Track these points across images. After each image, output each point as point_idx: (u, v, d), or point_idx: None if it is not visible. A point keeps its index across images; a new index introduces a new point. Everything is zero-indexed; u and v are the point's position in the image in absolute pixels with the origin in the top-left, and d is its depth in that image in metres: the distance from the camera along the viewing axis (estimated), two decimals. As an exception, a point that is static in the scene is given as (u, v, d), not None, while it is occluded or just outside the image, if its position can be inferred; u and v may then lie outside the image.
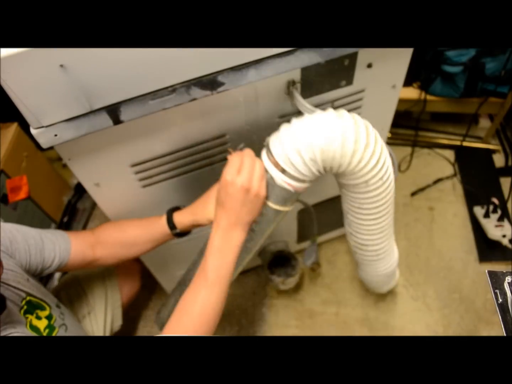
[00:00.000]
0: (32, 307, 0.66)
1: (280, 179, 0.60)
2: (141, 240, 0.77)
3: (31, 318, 0.65)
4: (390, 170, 0.66)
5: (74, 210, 1.55)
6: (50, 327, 0.69)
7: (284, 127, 0.61)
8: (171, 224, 0.74)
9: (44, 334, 0.66)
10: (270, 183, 0.61)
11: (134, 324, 1.29)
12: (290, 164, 0.59)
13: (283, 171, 0.60)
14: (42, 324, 0.67)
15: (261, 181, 0.59)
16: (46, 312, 0.69)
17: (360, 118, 0.61)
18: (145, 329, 1.29)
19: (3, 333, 0.54)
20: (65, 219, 1.49)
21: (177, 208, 0.76)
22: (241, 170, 0.59)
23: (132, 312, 1.31)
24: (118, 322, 1.00)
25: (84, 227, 1.53)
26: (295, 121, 0.60)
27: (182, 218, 0.73)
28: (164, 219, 0.74)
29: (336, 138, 0.57)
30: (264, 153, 0.63)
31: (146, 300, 1.34)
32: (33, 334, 0.63)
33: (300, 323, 1.25)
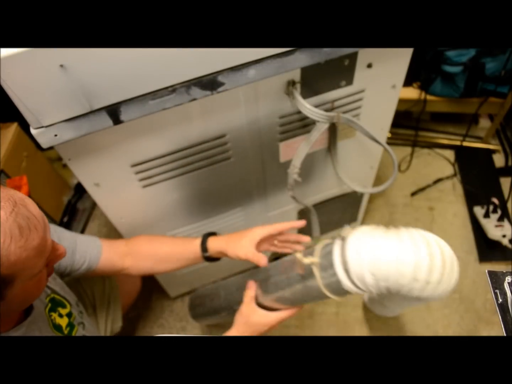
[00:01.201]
0: (55, 304, 0.68)
1: (346, 285, 0.60)
2: (173, 258, 0.78)
3: (55, 316, 0.67)
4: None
5: (74, 210, 1.55)
6: (71, 325, 0.70)
7: (367, 241, 0.58)
8: (204, 246, 0.76)
9: (66, 332, 0.68)
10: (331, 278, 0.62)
11: (134, 324, 1.29)
12: (362, 281, 0.58)
13: (351, 280, 0.60)
14: (63, 322, 0.69)
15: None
16: (67, 310, 0.71)
17: (449, 251, 0.58)
18: (144, 329, 1.29)
19: (29, 334, 0.55)
20: (65, 219, 1.49)
21: (213, 234, 0.79)
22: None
23: (132, 312, 1.31)
24: (118, 324, 1.00)
25: (84, 227, 1.53)
26: (380, 241, 0.58)
27: (214, 244, 0.75)
28: (198, 241, 0.76)
29: (415, 279, 0.55)
30: (337, 250, 0.61)
31: (146, 301, 1.34)
32: (57, 334, 0.65)
33: (300, 323, 1.25)
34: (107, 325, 0.96)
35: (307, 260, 0.64)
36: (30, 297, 0.53)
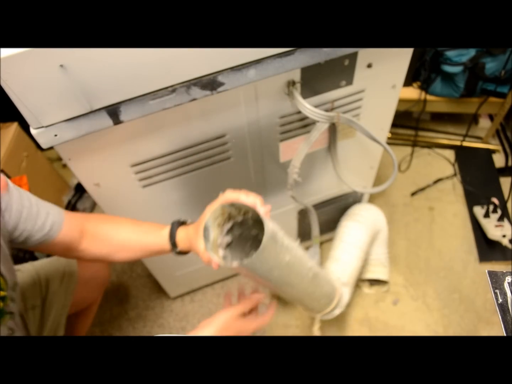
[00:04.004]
0: None
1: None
2: (132, 247, 0.67)
3: None
4: None
5: (74, 210, 1.55)
6: (0, 312, 0.58)
7: None
8: (173, 241, 0.65)
9: None
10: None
11: (134, 324, 1.29)
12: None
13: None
14: None
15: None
16: (3, 293, 0.59)
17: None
18: (145, 329, 1.29)
19: None
20: (65, 219, 1.49)
21: (183, 222, 0.67)
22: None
23: (131, 312, 1.31)
24: (61, 333, 0.86)
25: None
26: None
27: (183, 238, 0.64)
28: (166, 233, 0.65)
29: None
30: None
31: (146, 300, 1.34)
32: None
33: (300, 323, 1.25)
34: (46, 326, 0.83)
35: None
36: None
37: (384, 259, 1.25)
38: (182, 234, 0.64)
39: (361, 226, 1.15)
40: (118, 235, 0.66)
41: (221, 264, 0.53)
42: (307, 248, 1.22)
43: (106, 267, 1.01)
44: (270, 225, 0.51)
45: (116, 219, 0.69)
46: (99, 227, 0.66)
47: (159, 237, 0.66)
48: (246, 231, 0.60)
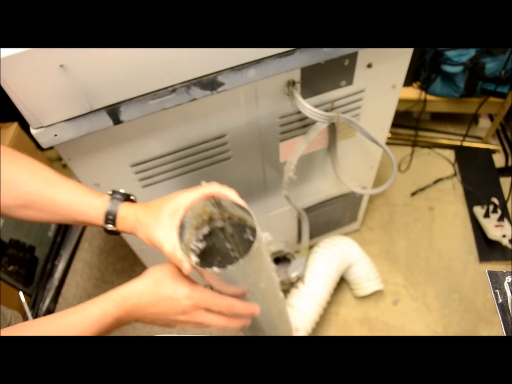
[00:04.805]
0: None
1: None
2: (45, 205, 0.50)
3: None
4: None
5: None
6: None
7: None
8: (112, 216, 0.50)
9: None
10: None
11: (134, 324, 1.29)
12: None
13: None
14: None
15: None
16: None
17: None
18: (145, 329, 1.28)
19: None
20: (65, 219, 1.49)
21: (128, 197, 0.53)
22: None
23: (132, 312, 1.31)
24: None
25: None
26: None
27: (127, 218, 0.50)
28: (102, 203, 0.50)
29: None
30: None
31: (146, 300, 1.33)
32: None
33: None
34: None
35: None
36: None
37: (366, 272, 1.23)
38: (127, 213, 0.50)
39: (324, 269, 1.13)
40: (28, 185, 0.49)
41: (197, 269, 0.44)
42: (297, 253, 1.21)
43: None
44: (260, 231, 0.45)
45: (31, 162, 0.52)
46: (5, 167, 0.49)
47: (89, 206, 0.50)
48: (218, 243, 0.51)
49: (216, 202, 0.48)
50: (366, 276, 1.23)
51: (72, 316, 0.44)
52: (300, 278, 1.14)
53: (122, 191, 0.53)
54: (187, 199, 0.47)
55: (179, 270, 0.47)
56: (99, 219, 0.50)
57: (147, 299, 0.47)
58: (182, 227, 0.46)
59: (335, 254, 1.16)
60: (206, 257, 0.51)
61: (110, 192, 0.52)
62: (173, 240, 0.45)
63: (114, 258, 1.45)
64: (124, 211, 0.50)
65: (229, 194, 0.48)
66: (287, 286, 1.23)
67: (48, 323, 0.43)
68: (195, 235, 0.49)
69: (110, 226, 0.50)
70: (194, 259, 0.48)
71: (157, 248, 0.48)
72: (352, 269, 1.22)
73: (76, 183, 0.52)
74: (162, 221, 0.46)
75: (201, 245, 0.50)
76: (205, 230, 0.50)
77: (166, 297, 0.47)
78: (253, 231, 0.46)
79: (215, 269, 0.42)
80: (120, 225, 0.50)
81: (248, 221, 0.47)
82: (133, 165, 0.76)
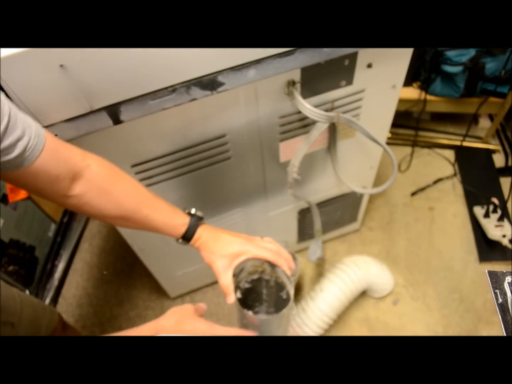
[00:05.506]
0: None
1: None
2: (140, 221, 0.58)
3: None
4: None
5: (73, 213, 1.55)
6: None
7: None
8: (189, 236, 0.60)
9: None
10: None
11: (134, 324, 1.29)
12: None
13: None
14: None
15: None
16: None
17: None
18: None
19: None
20: (65, 219, 1.49)
21: (201, 219, 0.63)
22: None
23: (131, 312, 1.31)
24: None
25: (84, 227, 1.53)
26: None
27: (200, 238, 0.61)
28: (183, 224, 0.60)
29: None
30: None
31: (146, 300, 1.34)
32: None
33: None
34: None
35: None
36: None
37: (381, 279, 1.24)
38: (199, 235, 0.61)
39: (340, 296, 1.14)
40: (129, 202, 0.56)
41: (238, 305, 0.59)
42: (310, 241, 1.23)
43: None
44: (292, 294, 0.60)
45: (131, 181, 0.58)
46: (113, 183, 0.55)
47: (172, 227, 0.60)
48: (259, 287, 0.63)
49: (272, 265, 0.61)
50: (379, 284, 1.25)
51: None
52: (320, 258, 1.17)
53: (194, 212, 0.63)
54: (252, 253, 0.59)
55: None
56: (178, 235, 0.61)
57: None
58: (241, 270, 0.61)
59: (355, 285, 1.17)
60: (247, 294, 0.63)
61: (189, 211, 0.63)
62: (229, 276, 0.58)
63: (114, 258, 1.45)
64: (198, 234, 0.61)
65: (284, 266, 0.61)
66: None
67: None
68: (246, 277, 0.62)
69: (184, 242, 0.61)
70: (238, 295, 0.61)
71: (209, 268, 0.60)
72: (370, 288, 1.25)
73: (164, 202, 0.61)
74: (226, 258, 0.59)
75: (247, 285, 0.63)
76: (255, 276, 0.63)
77: (187, 333, 0.54)
78: (288, 295, 0.60)
79: (250, 312, 0.58)
80: (192, 242, 0.62)
81: (287, 287, 0.61)
82: (134, 165, 0.76)
